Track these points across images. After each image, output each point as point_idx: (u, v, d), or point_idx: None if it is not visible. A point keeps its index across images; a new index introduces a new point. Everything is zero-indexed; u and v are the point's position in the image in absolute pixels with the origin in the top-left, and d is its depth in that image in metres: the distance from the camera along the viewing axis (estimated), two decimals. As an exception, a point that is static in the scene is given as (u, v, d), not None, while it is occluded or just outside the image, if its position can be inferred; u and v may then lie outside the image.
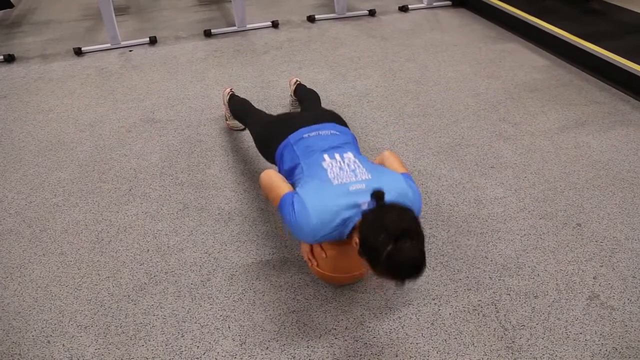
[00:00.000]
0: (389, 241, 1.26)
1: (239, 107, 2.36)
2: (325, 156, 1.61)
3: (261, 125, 2.01)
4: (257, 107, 2.33)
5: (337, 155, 1.61)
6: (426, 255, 1.33)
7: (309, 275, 1.74)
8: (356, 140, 1.82)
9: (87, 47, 3.50)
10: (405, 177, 1.55)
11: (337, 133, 1.75)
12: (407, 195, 1.47)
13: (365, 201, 1.42)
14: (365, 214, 1.38)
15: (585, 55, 3.12)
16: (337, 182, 1.48)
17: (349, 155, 1.62)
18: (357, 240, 1.36)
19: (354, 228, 1.42)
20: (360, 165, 1.56)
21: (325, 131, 1.74)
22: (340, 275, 1.61)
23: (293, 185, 1.62)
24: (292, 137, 1.72)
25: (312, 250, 1.59)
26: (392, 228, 1.28)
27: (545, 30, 3.42)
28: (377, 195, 1.39)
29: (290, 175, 1.66)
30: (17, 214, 2.03)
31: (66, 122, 2.67)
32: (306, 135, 1.72)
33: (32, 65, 3.31)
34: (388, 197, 1.40)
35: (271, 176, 1.61)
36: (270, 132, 1.87)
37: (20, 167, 2.32)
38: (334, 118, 1.87)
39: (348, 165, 1.56)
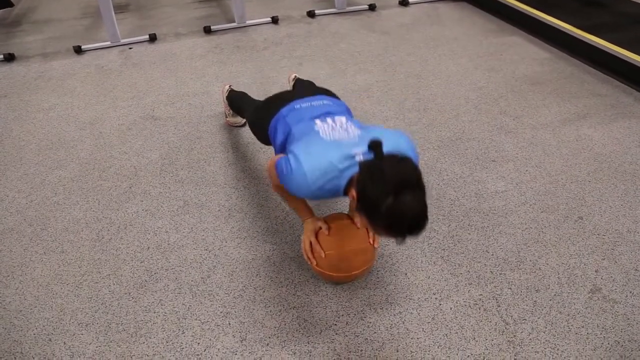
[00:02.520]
0: (389, 193, 1.18)
1: (236, 99, 2.36)
2: (317, 121, 1.56)
3: (255, 108, 1.99)
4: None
5: (328, 119, 1.56)
6: (428, 209, 1.25)
7: (309, 271, 1.73)
8: (350, 112, 1.76)
9: (87, 45, 3.49)
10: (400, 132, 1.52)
11: (330, 103, 1.70)
12: (401, 145, 1.42)
13: (360, 151, 1.36)
14: (363, 165, 1.30)
15: (587, 47, 3.10)
16: (329, 139, 1.46)
17: (341, 118, 1.57)
18: (355, 194, 1.29)
19: (350, 181, 1.36)
20: (353, 126, 1.53)
21: (318, 102, 1.69)
22: (339, 274, 1.61)
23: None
24: (284, 110, 1.68)
25: (312, 249, 1.59)
26: (392, 179, 1.20)
27: (547, 22, 3.40)
28: (374, 144, 1.27)
29: (283, 147, 1.63)
30: (17, 213, 2.04)
31: (66, 120, 2.67)
32: (298, 106, 1.67)
33: (32, 64, 3.31)
34: (384, 148, 1.30)
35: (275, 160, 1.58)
36: (264, 110, 1.83)
37: (21, 166, 2.32)
38: (327, 92, 1.83)
39: (340, 126, 1.52)
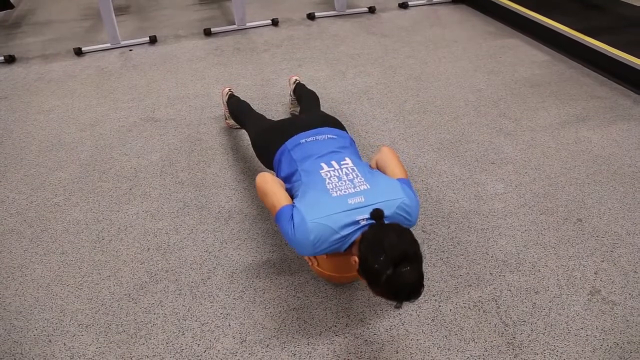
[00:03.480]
0: (389, 265, 1.27)
1: (237, 109, 2.35)
2: (323, 164, 1.61)
3: (258, 132, 2.00)
4: (256, 106, 2.33)
5: (334, 163, 1.61)
6: (424, 278, 1.33)
7: (309, 273, 1.74)
8: (354, 143, 1.82)
9: (87, 47, 3.50)
10: (402, 183, 1.55)
11: (335, 137, 1.75)
12: (405, 206, 1.48)
13: (364, 217, 1.43)
14: (365, 234, 1.39)
15: (586, 50, 3.11)
16: (335, 194, 1.48)
17: (347, 161, 1.62)
18: (357, 260, 1.37)
19: (353, 243, 1.43)
20: (359, 174, 1.56)
21: (322, 136, 1.74)
22: (340, 274, 1.61)
23: (290, 190, 1.62)
24: (289, 143, 1.73)
25: None
26: (392, 252, 1.29)
27: (546, 25, 3.41)
28: (377, 214, 1.40)
29: (288, 181, 1.66)
30: (18, 214, 2.04)
31: (67, 122, 2.67)
32: (303, 140, 1.72)
33: (32, 66, 3.31)
34: (387, 212, 1.42)
35: (267, 181, 1.60)
36: (268, 138, 1.87)
37: (21, 167, 2.32)
38: (332, 122, 1.87)
39: (346, 174, 1.56)
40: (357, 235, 1.42)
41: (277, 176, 1.74)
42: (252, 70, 3.15)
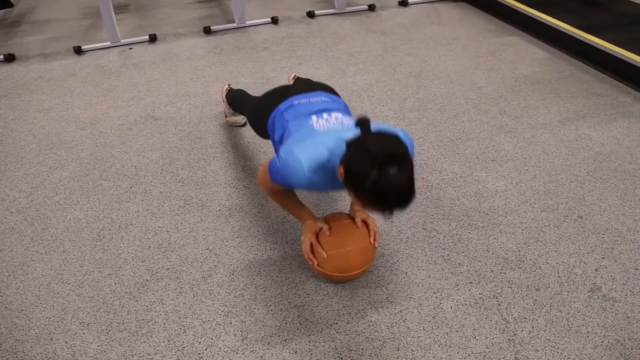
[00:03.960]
0: (374, 167, 1.18)
1: (234, 98, 2.37)
2: (313, 117, 1.57)
3: (253, 104, 1.99)
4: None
5: (324, 115, 1.57)
6: (415, 184, 1.25)
7: (310, 270, 1.74)
8: (348, 109, 1.76)
9: (87, 45, 3.50)
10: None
11: (328, 100, 1.70)
12: (396, 132, 1.41)
13: (352, 135, 1.35)
14: (350, 141, 1.30)
15: (586, 47, 3.11)
16: (323, 130, 1.48)
17: (338, 114, 1.58)
18: (342, 170, 1.29)
19: (340, 160, 1.35)
20: (349, 119, 1.54)
21: (316, 98, 1.69)
22: (340, 274, 1.61)
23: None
24: (282, 106, 1.69)
25: (312, 250, 1.59)
26: (377, 153, 1.20)
27: (546, 22, 3.40)
28: (362, 121, 1.30)
29: (282, 142, 1.62)
30: (18, 213, 2.04)
31: (67, 120, 2.67)
32: (296, 102, 1.68)
33: (32, 64, 3.31)
34: (374, 127, 1.32)
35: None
36: (262, 105, 1.83)
37: (22, 166, 2.32)
38: (326, 88, 1.83)
39: (336, 119, 1.54)
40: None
41: (273, 142, 1.71)
42: (252, 69, 3.15)
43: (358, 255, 1.59)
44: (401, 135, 1.41)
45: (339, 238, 1.58)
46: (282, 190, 1.61)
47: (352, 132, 1.37)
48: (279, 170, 1.44)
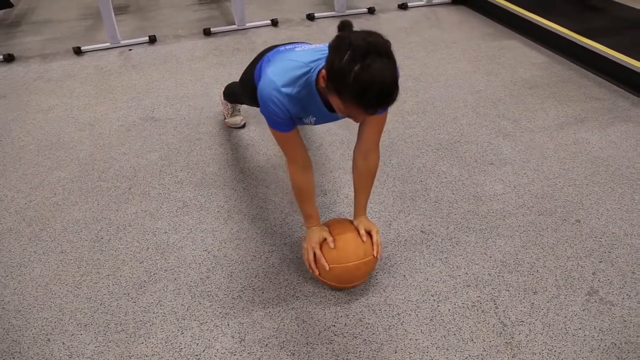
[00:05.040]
0: (356, 61, 1.13)
1: (230, 89, 2.35)
2: (297, 47, 1.55)
3: (242, 73, 1.97)
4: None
5: (305, 46, 1.55)
6: (399, 80, 1.21)
7: (308, 273, 1.74)
8: None
9: (86, 46, 3.50)
10: None
11: (313, 45, 1.64)
12: None
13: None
14: (331, 42, 1.23)
15: (585, 51, 3.12)
16: (301, 50, 1.47)
17: (319, 45, 1.54)
18: (324, 73, 1.24)
19: (320, 72, 1.30)
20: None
21: (303, 46, 1.64)
22: (341, 285, 1.62)
23: None
24: (269, 54, 1.67)
25: (315, 260, 1.59)
26: (359, 45, 1.14)
27: (545, 27, 3.42)
28: (344, 22, 1.25)
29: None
30: (16, 213, 2.04)
31: (66, 121, 2.67)
32: (282, 48, 1.65)
33: (31, 65, 3.31)
34: None
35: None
36: (249, 66, 1.82)
37: (20, 166, 2.32)
38: None
39: (316, 45, 1.52)
40: (324, 62, 1.27)
41: (257, 83, 1.65)
42: (252, 71, 3.15)
43: (360, 269, 1.59)
44: None
45: (343, 252, 1.57)
46: (304, 184, 1.58)
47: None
48: (260, 99, 1.39)
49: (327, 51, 1.25)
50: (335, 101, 1.25)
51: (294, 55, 1.43)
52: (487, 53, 3.36)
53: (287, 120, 1.43)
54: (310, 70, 1.36)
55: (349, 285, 1.63)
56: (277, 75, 1.36)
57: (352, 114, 1.26)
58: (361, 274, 1.61)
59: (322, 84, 1.27)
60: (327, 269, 1.55)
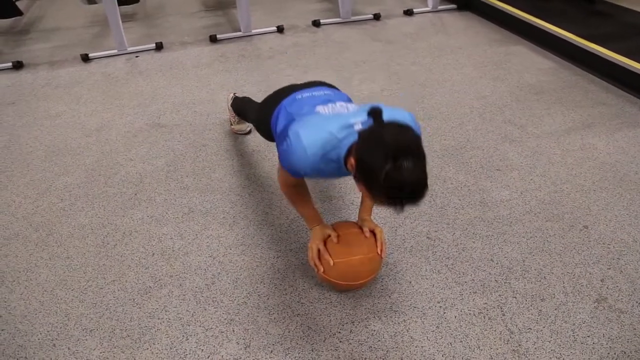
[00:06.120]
0: (388, 160, 1.15)
1: (240, 104, 2.39)
2: (318, 107, 1.57)
3: (258, 108, 1.99)
4: None
5: (329, 104, 1.57)
6: (428, 177, 1.21)
7: (314, 279, 1.73)
8: (351, 100, 1.75)
9: (94, 53, 3.53)
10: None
11: (331, 93, 1.69)
12: (403, 116, 1.40)
13: (359, 120, 1.35)
14: (362, 132, 1.27)
15: (591, 57, 3.11)
16: (328, 114, 1.49)
17: (342, 103, 1.59)
18: (353, 162, 1.27)
19: (349, 150, 1.33)
20: (354, 106, 1.55)
21: (319, 92, 1.68)
22: (346, 282, 1.61)
23: None
24: (285, 101, 1.69)
25: (319, 256, 1.59)
26: (391, 145, 1.17)
27: (551, 32, 3.41)
28: (374, 111, 1.27)
29: (284, 133, 1.62)
30: (24, 218, 2.05)
31: (73, 127, 2.69)
32: (299, 96, 1.67)
33: (40, 72, 3.34)
34: (385, 116, 1.28)
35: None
36: (266, 105, 1.83)
37: (28, 172, 2.34)
38: (326, 84, 1.83)
39: (341, 106, 1.55)
40: (354, 138, 1.31)
41: (275, 136, 1.71)
42: (257, 77, 3.16)
43: (365, 265, 1.58)
44: (408, 119, 1.42)
45: (347, 247, 1.57)
46: (297, 189, 1.62)
47: (359, 117, 1.37)
48: (286, 154, 1.43)
49: (354, 120, 1.34)
50: (363, 189, 1.28)
51: (324, 123, 1.42)
52: (493, 58, 3.35)
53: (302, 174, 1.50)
54: (341, 145, 1.36)
55: (354, 283, 1.61)
56: (308, 143, 1.37)
57: (377, 203, 1.29)
58: (366, 270, 1.59)
59: (350, 168, 1.31)
60: (332, 264, 1.55)
